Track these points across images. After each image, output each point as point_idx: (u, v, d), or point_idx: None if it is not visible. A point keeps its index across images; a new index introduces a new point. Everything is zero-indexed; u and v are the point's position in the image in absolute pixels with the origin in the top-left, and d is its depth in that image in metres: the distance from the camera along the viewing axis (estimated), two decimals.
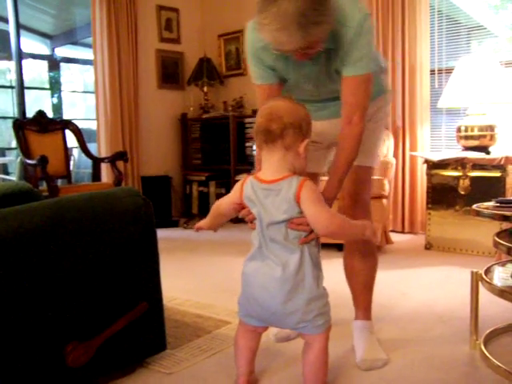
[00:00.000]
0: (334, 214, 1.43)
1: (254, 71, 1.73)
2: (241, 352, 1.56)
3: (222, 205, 1.56)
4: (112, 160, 4.12)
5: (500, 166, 3.27)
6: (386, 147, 3.88)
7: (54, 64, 5.89)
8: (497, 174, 3.29)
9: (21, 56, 4.54)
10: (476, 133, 3.49)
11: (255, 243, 1.46)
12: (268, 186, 1.41)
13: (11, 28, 4.47)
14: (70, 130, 4.25)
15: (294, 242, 1.41)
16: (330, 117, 1.84)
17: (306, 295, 1.40)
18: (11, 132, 4.00)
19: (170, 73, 5.28)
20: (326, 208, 1.41)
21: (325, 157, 2.01)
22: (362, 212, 1.84)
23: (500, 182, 3.27)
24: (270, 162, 1.43)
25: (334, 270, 3.05)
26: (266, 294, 1.41)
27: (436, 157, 3.52)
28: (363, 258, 1.89)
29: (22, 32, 4.66)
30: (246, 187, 1.46)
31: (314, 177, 1.91)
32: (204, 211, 5.10)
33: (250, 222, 1.49)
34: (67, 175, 4.24)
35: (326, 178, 1.70)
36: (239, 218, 1.57)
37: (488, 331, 1.93)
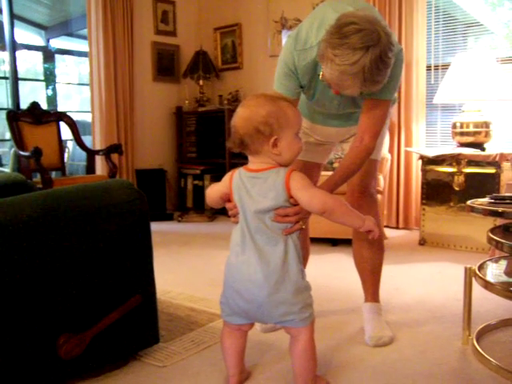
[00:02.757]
0: (327, 193, 1.46)
1: (282, 83, 1.79)
2: (228, 353, 1.56)
3: (211, 196, 1.56)
4: (106, 153, 4.11)
5: (495, 163, 3.28)
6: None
7: (48, 55, 5.84)
8: (491, 170, 3.30)
9: (15, 47, 4.50)
10: (471, 129, 3.49)
11: (236, 237, 1.46)
12: (255, 175, 1.43)
13: (5, 18, 4.42)
14: (65, 122, 4.23)
15: (278, 233, 1.42)
16: (338, 126, 2.01)
17: (292, 286, 1.41)
18: (5, 123, 3.97)
19: (166, 65, 5.25)
20: (318, 189, 1.46)
21: (329, 150, 2.17)
22: (370, 203, 1.99)
23: (494, 178, 3.28)
24: (252, 160, 1.47)
25: (327, 265, 3.07)
26: (252, 286, 1.41)
27: (431, 153, 3.53)
28: (371, 247, 2.03)
29: (16, 22, 4.62)
30: (235, 177, 1.48)
31: (316, 166, 2.13)
32: (198, 205, 5.10)
33: (233, 217, 1.50)
34: (61, 167, 4.23)
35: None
36: None
37: (480, 327, 1.94)
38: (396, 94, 2.06)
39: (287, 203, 1.41)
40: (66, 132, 4.32)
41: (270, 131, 1.39)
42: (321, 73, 1.67)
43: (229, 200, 1.50)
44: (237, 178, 1.46)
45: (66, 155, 4.89)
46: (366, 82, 1.51)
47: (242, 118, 1.41)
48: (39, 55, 5.80)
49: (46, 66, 5.83)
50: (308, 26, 1.72)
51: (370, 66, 1.46)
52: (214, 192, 1.54)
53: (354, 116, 1.90)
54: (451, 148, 3.59)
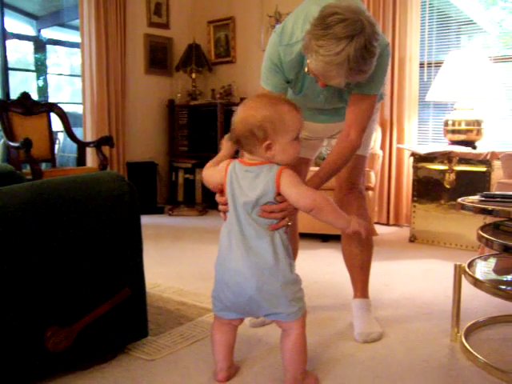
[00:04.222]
0: (316, 191, 1.46)
1: (268, 78, 1.80)
2: (218, 347, 1.56)
3: (208, 181, 1.56)
4: (97, 145, 4.08)
5: (486, 161, 3.29)
6: (374, 139, 3.88)
7: (39, 46, 5.77)
8: (482, 168, 3.31)
9: (5, 36, 4.44)
10: (463, 127, 3.51)
11: (225, 230, 1.47)
12: (249, 168, 1.44)
13: None
14: (56, 113, 4.20)
15: (265, 228, 1.42)
16: (326, 121, 2.01)
17: (280, 279, 1.41)
18: None
19: (158, 58, 5.22)
20: (307, 187, 1.46)
21: (318, 146, 2.17)
22: (358, 199, 2.00)
23: (485, 176, 3.29)
24: (247, 155, 1.47)
25: (317, 261, 3.07)
26: (241, 279, 1.41)
27: (423, 150, 3.54)
28: (360, 244, 2.03)
29: (7, 11, 4.56)
30: (229, 169, 1.48)
31: (305, 161, 2.14)
32: (189, 198, 5.08)
33: (223, 213, 1.50)
34: (51, 159, 4.20)
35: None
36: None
37: (469, 324, 1.95)
38: (384, 90, 2.07)
39: (275, 200, 1.42)
40: (56, 123, 4.28)
41: (264, 136, 1.39)
42: (306, 66, 1.66)
43: (221, 192, 1.50)
44: (231, 170, 1.47)
45: (56, 147, 4.85)
46: (352, 72, 1.51)
47: (239, 119, 1.42)
48: (30, 45, 5.73)
49: (37, 56, 5.76)
50: (293, 21, 1.72)
51: (355, 55, 1.46)
52: (210, 177, 1.54)
53: (342, 111, 1.89)
54: (443, 146, 3.61)
